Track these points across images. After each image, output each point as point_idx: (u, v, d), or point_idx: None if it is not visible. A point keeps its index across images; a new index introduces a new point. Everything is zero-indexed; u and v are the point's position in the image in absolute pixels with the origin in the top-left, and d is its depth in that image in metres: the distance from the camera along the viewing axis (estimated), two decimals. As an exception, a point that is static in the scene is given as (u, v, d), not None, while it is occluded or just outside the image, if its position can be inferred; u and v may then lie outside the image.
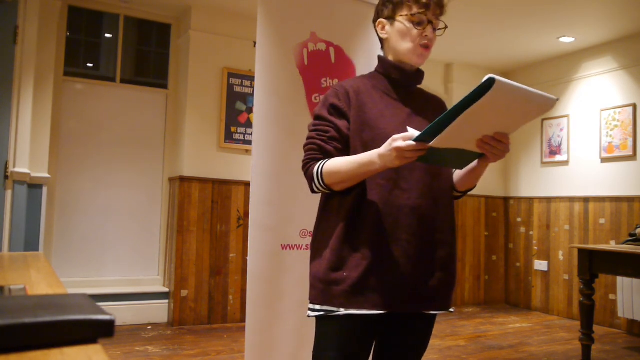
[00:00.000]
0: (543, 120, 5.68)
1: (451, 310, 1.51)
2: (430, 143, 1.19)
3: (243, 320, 4.25)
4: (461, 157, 1.35)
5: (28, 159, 3.62)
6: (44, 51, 3.95)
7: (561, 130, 5.50)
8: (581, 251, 3.56)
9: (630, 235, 3.74)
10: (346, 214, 1.41)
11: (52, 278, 1.14)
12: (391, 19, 1.50)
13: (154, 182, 4.75)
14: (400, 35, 1.49)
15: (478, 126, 1.21)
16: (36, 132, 3.82)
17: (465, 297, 5.88)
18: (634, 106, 4.81)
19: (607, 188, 4.98)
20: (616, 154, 4.91)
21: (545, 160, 5.66)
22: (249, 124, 4.70)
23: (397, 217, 1.40)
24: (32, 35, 3.67)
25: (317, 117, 1.49)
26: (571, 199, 5.32)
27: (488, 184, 6.07)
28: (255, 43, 2.45)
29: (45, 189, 3.84)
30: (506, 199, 6.14)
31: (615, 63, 5.03)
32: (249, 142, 4.61)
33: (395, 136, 1.25)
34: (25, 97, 3.61)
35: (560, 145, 5.50)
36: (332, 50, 2.41)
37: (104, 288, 4.40)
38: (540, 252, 5.65)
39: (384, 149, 1.28)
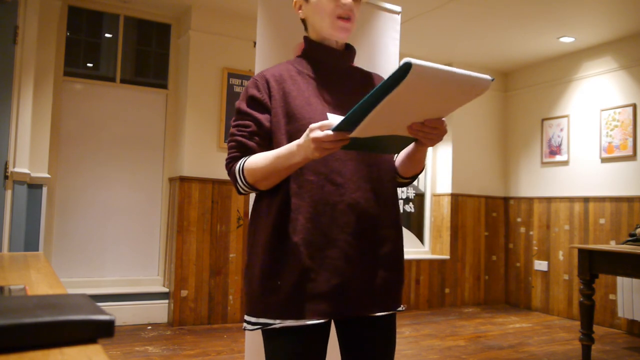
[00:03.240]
0: (543, 120, 5.69)
1: (400, 308, 1.41)
2: (351, 133, 1.10)
3: (243, 320, 4.25)
4: (394, 142, 1.25)
5: (28, 159, 3.62)
6: (43, 51, 3.95)
7: (561, 130, 5.50)
8: (581, 251, 3.56)
9: (630, 235, 3.74)
10: (275, 216, 1.28)
11: (52, 278, 1.14)
12: None
13: (154, 182, 4.75)
14: (315, 12, 1.36)
15: (404, 112, 1.12)
16: (36, 132, 3.82)
17: (465, 297, 5.88)
18: (634, 106, 4.81)
19: (607, 188, 4.98)
20: (616, 154, 4.91)
21: (545, 160, 5.66)
22: (249, 124, 4.70)
23: (332, 216, 1.27)
24: (32, 35, 3.67)
25: (237, 112, 1.36)
26: (571, 199, 5.32)
27: (488, 184, 6.07)
28: (255, 43, 2.45)
29: (45, 189, 3.84)
30: (506, 199, 6.14)
31: (615, 63, 5.04)
32: (249, 142, 4.61)
33: (312, 125, 1.14)
34: (25, 97, 3.61)
35: (560, 145, 5.50)
36: (332, 50, 2.40)
37: (104, 288, 4.40)
38: (540, 252, 5.65)
39: (302, 139, 1.17)
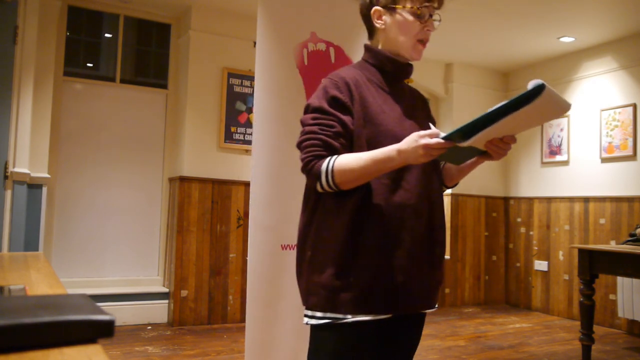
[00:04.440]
0: (543, 120, 5.68)
1: (436, 306, 1.53)
2: (465, 143, 1.19)
3: (243, 320, 4.25)
4: (466, 154, 1.33)
5: (28, 159, 3.62)
6: (43, 51, 3.95)
7: (561, 130, 5.50)
8: (581, 251, 3.56)
9: (630, 235, 3.74)
10: (350, 216, 1.34)
11: (52, 278, 1.14)
12: (390, 8, 1.43)
13: (154, 182, 4.75)
14: (400, 28, 1.42)
15: (505, 129, 1.20)
16: (36, 132, 3.81)
17: (465, 297, 5.87)
18: (634, 106, 4.81)
19: (607, 188, 4.98)
20: (616, 154, 4.91)
21: (545, 160, 5.66)
22: (248, 124, 4.70)
23: (401, 219, 1.36)
24: (32, 35, 3.67)
25: (317, 110, 1.36)
26: (571, 199, 5.32)
27: (488, 184, 6.07)
28: (255, 43, 2.45)
29: (45, 189, 3.84)
30: (506, 199, 6.14)
31: (615, 63, 5.03)
32: (249, 142, 4.61)
33: (421, 133, 1.22)
34: (25, 97, 3.61)
35: (560, 145, 5.50)
36: (332, 50, 2.41)
37: (104, 288, 4.40)
38: (540, 252, 5.64)
39: (406, 145, 1.23)
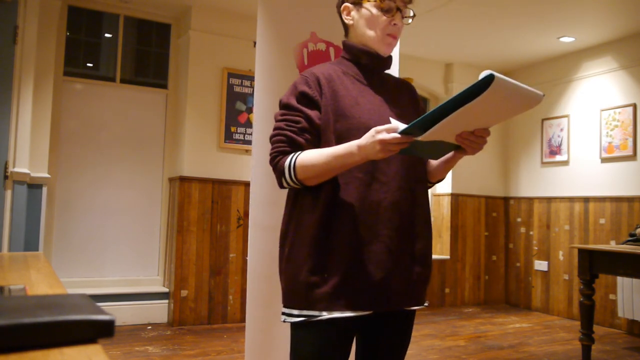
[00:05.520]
0: (543, 120, 5.69)
1: (425, 304, 1.48)
2: (420, 137, 1.15)
3: (243, 320, 4.25)
4: (439, 148, 1.31)
5: (28, 159, 3.62)
6: (43, 51, 3.95)
7: (561, 130, 5.50)
8: (581, 251, 3.56)
9: (630, 235, 3.74)
10: (323, 211, 1.32)
11: (52, 278, 1.14)
12: (357, 4, 1.43)
13: (154, 182, 4.75)
14: (366, 23, 1.41)
15: (465, 121, 1.17)
16: (36, 132, 3.81)
17: (465, 297, 5.87)
18: (634, 106, 4.81)
19: (607, 188, 4.98)
20: (616, 154, 4.91)
21: (545, 160, 5.66)
22: (248, 124, 4.70)
23: (377, 212, 1.33)
24: (32, 35, 3.67)
25: (285, 106, 1.38)
26: (571, 199, 5.32)
27: (488, 184, 6.07)
28: (255, 43, 2.46)
29: (45, 189, 3.84)
30: (506, 199, 6.14)
31: (615, 63, 5.03)
32: (249, 142, 4.61)
33: (378, 128, 1.19)
34: (25, 97, 3.61)
35: (560, 145, 5.50)
36: (332, 50, 2.41)
37: (104, 288, 4.40)
38: (540, 252, 5.65)
39: (364, 140, 1.21)
